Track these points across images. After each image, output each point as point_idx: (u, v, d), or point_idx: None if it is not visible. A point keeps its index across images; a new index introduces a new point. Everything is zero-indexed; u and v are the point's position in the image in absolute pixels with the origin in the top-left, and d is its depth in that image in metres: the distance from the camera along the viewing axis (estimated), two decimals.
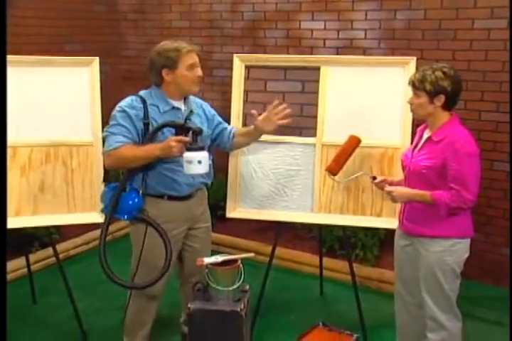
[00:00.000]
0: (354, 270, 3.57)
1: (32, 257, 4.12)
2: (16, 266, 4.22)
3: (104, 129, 2.95)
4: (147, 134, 2.88)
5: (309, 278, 4.30)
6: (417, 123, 3.27)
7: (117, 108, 2.92)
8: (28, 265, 3.93)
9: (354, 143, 3.14)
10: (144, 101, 2.91)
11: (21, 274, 4.18)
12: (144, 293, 3.10)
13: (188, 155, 2.73)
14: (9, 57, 3.31)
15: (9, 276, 4.12)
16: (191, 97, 3.08)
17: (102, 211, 3.11)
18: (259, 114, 3.03)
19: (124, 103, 2.93)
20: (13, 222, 3.34)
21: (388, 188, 2.91)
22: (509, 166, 4.02)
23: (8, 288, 4.05)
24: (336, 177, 3.17)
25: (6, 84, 2.99)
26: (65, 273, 3.51)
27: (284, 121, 3.05)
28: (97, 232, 4.80)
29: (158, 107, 2.93)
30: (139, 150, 2.85)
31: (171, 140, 2.73)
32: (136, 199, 2.93)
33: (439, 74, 2.69)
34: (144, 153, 2.83)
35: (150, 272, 3.00)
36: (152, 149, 2.82)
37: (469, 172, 2.69)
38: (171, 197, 2.99)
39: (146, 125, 2.87)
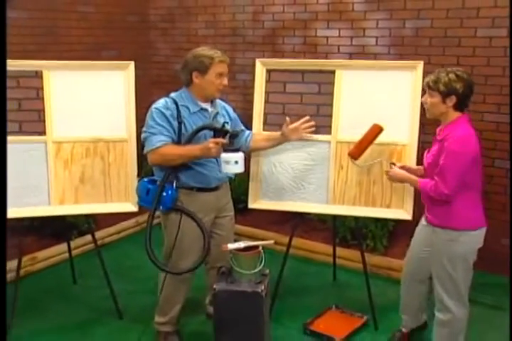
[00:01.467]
0: (365, 258, 3.58)
1: (71, 244, 4.17)
2: (58, 251, 4.31)
3: (143, 130, 2.99)
4: (184, 135, 2.93)
5: (323, 266, 4.30)
6: (423, 123, 3.33)
7: (153, 109, 2.96)
8: (70, 250, 4.00)
9: (376, 130, 3.17)
10: (175, 103, 2.96)
11: (63, 258, 4.26)
12: (178, 276, 3.16)
13: (225, 156, 2.82)
14: (56, 63, 3.46)
15: (52, 260, 4.27)
16: (217, 100, 3.14)
17: (138, 203, 3.20)
18: (291, 122, 3.15)
19: (159, 104, 2.98)
20: (58, 210, 3.46)
21: (387, 169, 3.06)
22: (509, 163, 4.02)
23: (51, 270, 4.21)
24: (357, 162, 3.22)
25: (6, 85, 3.00)
26: (103, 258, 3.58)
27: (309, 134, 3.27)
28: (128, 223, 4.97)
29: (188, 108, 2.99)
30: (180, 149, 2.92)
31: (210, 142, 2.81)
32: (170, 192, 2.98)
33: (452, 76, 2.71)
34: (185, 152, 2.91)
35: (182, 257, 3.09)
36: (193, 149, 2.90)
37: (450, 168, 2.71)
38: (200, 189, 3.06)
39: (180, 124, 2.93)
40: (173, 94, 3.06)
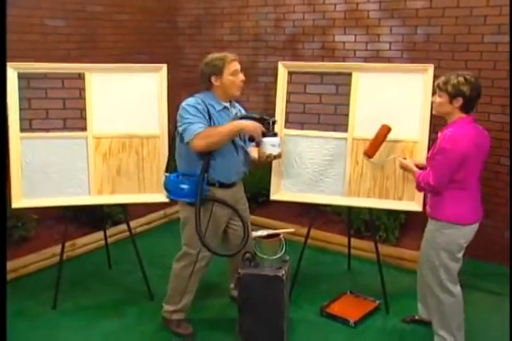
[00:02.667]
0: (378, 249, 3.59)
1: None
2: (94, 239, 4.42)
3: (179, 124, 2.99)
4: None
5: (339, 256, 4.33)
6: (433, 122, 3.33)
7: (185, 106, 2.99)
8: (106, 238, 4.09)
9: (385, 130, 3.24)
10: (203, 101, 3.02)
11: (99, 245, 4.36)
12: (196, 266, 3.20)
13: (272, 139, 3.00)
14: (96, 66, 3.56)
15: (90, 246, 4.39)
16: (234, 102, 3.20)
17: (168, 197, 3.20)
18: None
19: (190, 101, 3.01)
20: (96, 199, 3.55)
21: (398, 158, 3.15)
22: (509, 161, 4.04)
23: (89, 256, 4.32)
24: (372, 160, 3.29)
25: (6, 85, 3.03)
26: (137, 246, 3.66)
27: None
28: (157, 214, 5.05)
29: (214, 106, 3.04)
30: (221, 127, 2.95)
31: (257, 126, 2.96)
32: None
33: (461, 79, 2.73)
34: (228, 127, 2.94)
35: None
36: (237, 123, 2.95)
37: (439, 163, 2.75)
38: (221, 185, 3.11)
39: (209, 119, 3.00)
40: (198, 95, 3.09)
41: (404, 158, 3.14)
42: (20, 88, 3.38)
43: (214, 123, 3.02)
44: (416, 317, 3.35)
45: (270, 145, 3.00)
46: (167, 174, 3.16)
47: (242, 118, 3.04)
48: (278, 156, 3.08)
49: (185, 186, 3.04)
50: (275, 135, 3.03)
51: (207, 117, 3.00)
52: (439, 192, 2.83)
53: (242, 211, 3.32)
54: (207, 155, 2.98)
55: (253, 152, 3.25)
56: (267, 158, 3.06)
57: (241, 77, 3.07)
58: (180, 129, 3.00)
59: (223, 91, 3.06)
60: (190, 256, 3.20)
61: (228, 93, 3.07)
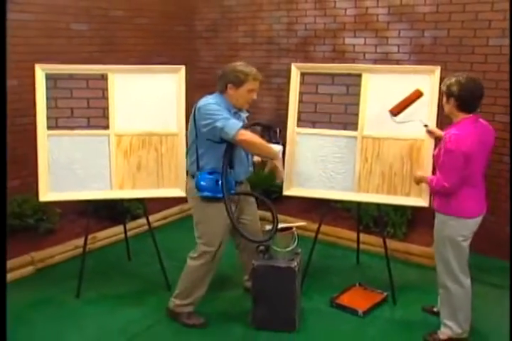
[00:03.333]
0: (386, 244, 3.62)
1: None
2: (114, 232, 4.50)
3: (210, 121, 2.93)
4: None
5: (348, 250, 4.35)
6: (440, 121, 3.36)
7: (209, 105, 2.98)
8: (125, 231, 4.17)
9: (416, 94, 3.25)
10: (220, 105, 3.02)
11: (118, 239, 4.44)
12: (213, 260, 3.23)
13: (278, 146, 3.10)
14: (119, 67, 3.64)
15: (110, 240, 4.47)
16: None
17: (203, 196, 3.12)
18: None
19: (210, 100, 3.03)
20: (118, 194, 3.63)
21: (416, 173, 3.21)
22: (509, 158, 4.06)
23: (109, 249, 4.40)
24: (396, 118, 3.29)
25: (6, 85, 3.04)
26: (155, 239, 3.73)
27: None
28: (173, 210, 5.12)
29: (229, 110, 3.05)
30: (263, 142, 3.00)
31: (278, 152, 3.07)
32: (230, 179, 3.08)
33: (452, 80, 2.80)
34: (267, 146, 3.02)
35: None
36: (277, 153, 3.06)
37: (447, 165, 2.81)
38: (235, 183, 3.15)
39: None
40: (211, 96, 3.10)
41: (426, 125, 3.17)
42: (47, 88, 3.47)
43: None
44: (434, 309, 3.38)
45: (278, 151, 3.10)
46: (197, 172, 3.12)
47: (253, 124, 3.10)
48: (279, 162, 3.16)
49: (219, 182, 3.03)
50: (279, 143, 3.13)
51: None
52: (453, 192, 2.87)
53: (250, 205, 3.40)
54: (229, 152, 3.01)
55: (255, 156, 3.32)
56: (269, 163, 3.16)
57: (254, 96, 3.09)
58: (217, 124, 2.93)
59: (233, 100, 3.08)
60: (208, 255, 3.20)
61: (237, 104, 3.09)
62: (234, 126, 2.91)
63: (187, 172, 3.32)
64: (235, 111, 3.10)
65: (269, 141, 3.08)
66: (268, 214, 4.62)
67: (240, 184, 3.26)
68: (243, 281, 3.73)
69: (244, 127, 2.99)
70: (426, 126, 3.16)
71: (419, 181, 3.17)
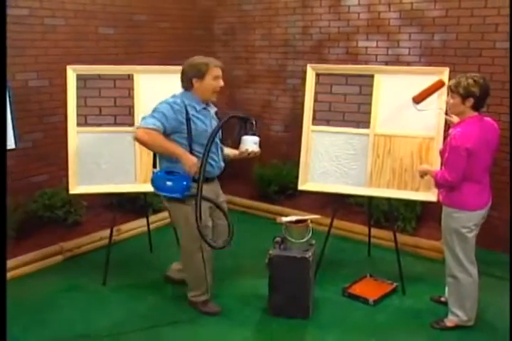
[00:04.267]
0: (396, 238, 3.67)
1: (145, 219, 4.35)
2: (137, 225, 4.62)
3: (147, 114, 2.98)
4: (193, 129, 2.99)
5: (360, 244, 4.41)
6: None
7: (163, 103, 2.99)
8: (148, 224, 4.27)
9: (438, 84, 3.32)
10: (183, 102, 3.01)
11: (140, 231, 4.56)
12: (208, 254, 3.25)
13: (255, 138, 3.12)
14: (144, 67, 3.78)
15: (133, 232, 4.57)
16: (210, 103, 3.20)
17: (155, 192, 3.14)
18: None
19: (169, 100, 3.02)
20: (141, 187, 3.74)
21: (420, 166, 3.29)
22: (509, 156, 4.06)
23: (132, 241, 4.48)
24: (418, 106, 3.35)
25: (6, 85, 3.07)
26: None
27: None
28: None
29: (194, 107, 3.04)
30: (165, 142, 2.94)
31: (196, 163, 2.95)
32: (186, 182, 3.01)
33: (470, 81, 2.85)
34: (168, 147, 2.94)
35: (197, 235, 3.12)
36: (178, 152, 2.95)
37: (452, 160, 2.89)
38: (206, 180, 3.08)
39: (188, 121, 2.99)
40: (177, 94, 3.09)
41: (446, 113, 3.20)
42: (78, 88, 3.61)
43: (194, 124, 3.03)
44: (442, 299, 3.44)
45: (253, 143, 3.12)
46: (155, 170, 3.15)
47: (230, 117, 3.07)
48: (257, 153, 3.17)
49: (170, 183, 3.02)
50: (255, 134, 3.15)
51: (180, 119, 2.99)
52: (456, 187, 2.96)
53: (223, 203, 3.39)
54: (205, 152, 2.98)
55: (225, 149, 3.32)
56: (248, 154, 3.15)
57: (220, 82, 3.09)
58: (141, 116, 3.01)
59: (201, 94, 3.07)
60: (196, 251, 3.22)
61: (205, 96, 3.08)
62: (142, 125, 2.91)
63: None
64: (203, 106, 3.10)
65: (246, 133, 3.11)
66: (288, 210, 4.75)
67: (212, 180, 3.24)
68: (169, 268, 3.74)
69: (222, 121, 3.03)
70: (446, 113, 3.20)
71: (423, 173, 3.24)
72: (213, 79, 3.06)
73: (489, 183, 3.09)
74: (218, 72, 3.09)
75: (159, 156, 3.16)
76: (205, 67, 3.03)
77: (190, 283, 3.43)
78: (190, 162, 2.97)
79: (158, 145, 2.97)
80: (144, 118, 2.98)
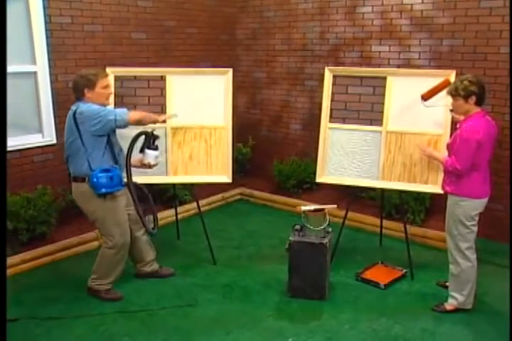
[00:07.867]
0: (406, 229, 3.78)
1: (172, 210, 4.55)
2: (166, 215, 4.75)
3: (101, 119, 3.04)
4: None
5: (372, 235, 4.55)
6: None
7: (91, 107, 3.09)
8: (176, 214, 4.44)
9: (445, 83, 3.42)
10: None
11: (169, 221, 4.71)
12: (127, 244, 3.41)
13: (152, 152, 3.37)
14: (176, 69, 3.91)
15: (163, 221, 4.63)
16: None
17: (102, 193, 3.16)
18: None
19: (88, 104, 3.11)
20: (172, 179, 3.89)
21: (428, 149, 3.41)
22: (510, 157, 4.09)
23: (163, 229, 4.59)
24: (426, 103, 3.46)
25: (6, 86, 3.04)
26: (203, 220, 3.97)
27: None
28: (216, 197, 5.39)
29: None
30: (145, 113, 3.26)
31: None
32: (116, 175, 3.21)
33: (466, 83, 3.00)
34: (151, 115, 3.27)
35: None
36: (152, 115, 3.29)
37: (461, 150, 3.03)
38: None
39: None
40: (82, 103, 3.14)
41: (451, 110, 3.25)
42: (115, 88, 3.78)
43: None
44: (447, 284, 3.51)
45: (155, 157, 3.38)
46: (92, 172, 3.15)
47: (141, 134, 3.28)
48: (155, 165, 3.45)
49: (112, 177, 3.17)
50: (157, 148, 3.38)
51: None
52: (463, 175, 3.09)
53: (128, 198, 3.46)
54: (131, 144, 3.21)
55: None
56: (149, 167, 3.42)
57: (110, 90, 3.25)
58: (111, 117, 3.06)
59: (95, 101, 3.14)
60: (121, 244, 3.36)
61: (100, 103, 3.16)
62: (123, 112, 3.10)
63: (75, 178, 3.24)
64: None
65: (149, 147, 3.32)
66: (305, 203, 4.69)
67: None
68: (138, 268, 3.78)
69: (132, 139, 3.23)
70: (451, 110, 3.29)
71: (429, 156, 3.37)
72: (104, 88, 3.18)
73: (489, 173, 3.20)
74: (107, 81, 3.23)
75: (95, 156, 3.17)
76: (95, 78, 3.13)
77: (99, 273, 3.46)
78: (157, 116, 3.30)
79: (144, 116, 3.21)
80: (116, 115, 3.09)
